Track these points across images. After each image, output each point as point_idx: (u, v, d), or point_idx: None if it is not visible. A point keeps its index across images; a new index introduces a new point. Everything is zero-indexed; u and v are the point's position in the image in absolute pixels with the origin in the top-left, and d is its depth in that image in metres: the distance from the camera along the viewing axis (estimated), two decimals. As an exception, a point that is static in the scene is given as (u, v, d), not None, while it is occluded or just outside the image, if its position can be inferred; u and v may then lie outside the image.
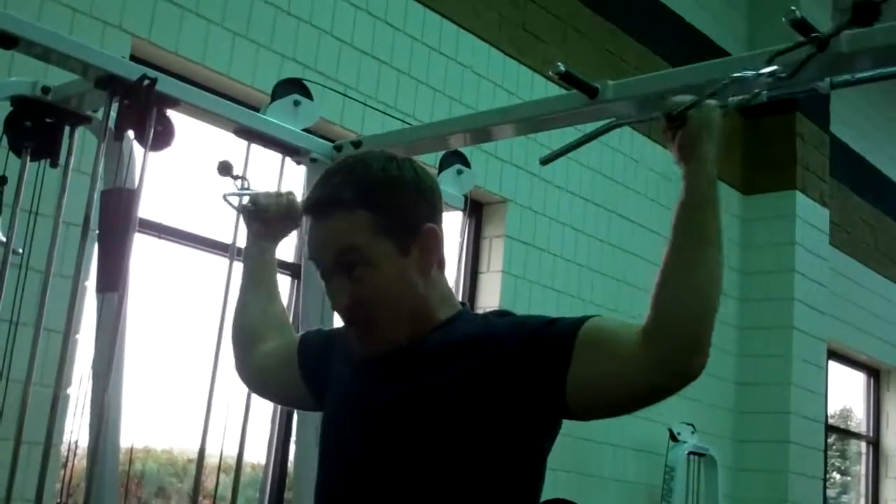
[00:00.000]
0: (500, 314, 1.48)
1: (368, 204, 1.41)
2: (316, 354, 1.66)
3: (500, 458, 1.37)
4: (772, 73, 1.54)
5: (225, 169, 1.93)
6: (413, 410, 1.39)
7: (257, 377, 1.79)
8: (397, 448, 1.39)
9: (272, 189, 1.92)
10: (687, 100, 1.40)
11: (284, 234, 1.90)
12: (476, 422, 1.35)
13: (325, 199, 1.43)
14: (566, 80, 1.92)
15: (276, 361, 1.73)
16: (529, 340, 1.35)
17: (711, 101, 1.41)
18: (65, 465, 2.43)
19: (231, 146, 2.36)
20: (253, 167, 2.26)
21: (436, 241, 1.45)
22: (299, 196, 1.88)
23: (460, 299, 1.57)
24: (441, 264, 1.48)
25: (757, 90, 1.57)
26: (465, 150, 2.87)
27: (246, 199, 1.84)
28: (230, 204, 1.87)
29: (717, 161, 1.37)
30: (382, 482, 1.39)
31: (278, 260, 1.98)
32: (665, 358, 1.25)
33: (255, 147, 2.38)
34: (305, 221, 1.50)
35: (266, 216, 1.84)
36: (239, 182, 1.94)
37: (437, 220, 1.47)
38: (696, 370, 1.26)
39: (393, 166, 1.45)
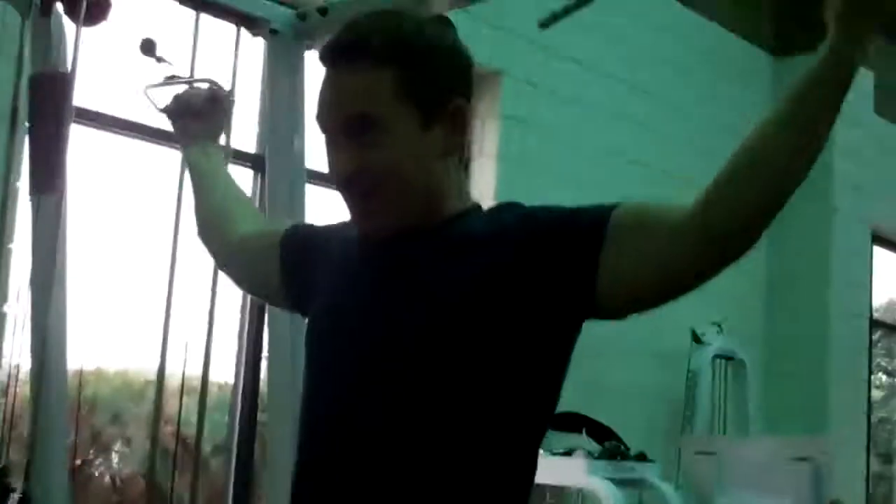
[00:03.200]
0: (513, 206, 1.49)
1: (399, 58, 1.41)
2: (302, 250, 1.67)
3: (518, 367, 1.39)
4: None
5: (147, 48, 1.90)
6: (420, 313, 1.40)
7: (232, 260, 1.81)
8: (404, 356, 1.40)
9: (187, 77, 1.90)
10: None
11: (219, 127, 1.90)
12: (491, 326, 1.37)
13: (349, 44, 1.43)
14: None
15: (254, 246, 1.75)
16: (552, 230, 1.38)
17: None
18: (6, 393, 2.46)
19: (177, 18, 2.33)
20: (204, 43, 2.23)
21: (463, 122, 1.46)
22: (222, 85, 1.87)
23: None
24: (462, 152, 1.49)
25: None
26: (451, 16, 2.83)
27: (168, 95, 1.82)
28: (152, 102, 1.85)
29: (864, 48, 1.30)
30: (387, 392, 1.40)
31: (235, 150, 1.97)
32: (719, 231, 1.30)
33: (206, 19, 2.36)
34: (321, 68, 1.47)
35: (193, 111, 1.83)
36: (162, 67, 1.90)
37: (468, 99, 1.48)
38: (745, 250, 1.32)
39: (431, 26, 1.48)
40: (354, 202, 1.46)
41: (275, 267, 1.68)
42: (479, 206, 1.53)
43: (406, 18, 1.48)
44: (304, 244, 1.68)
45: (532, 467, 1.44)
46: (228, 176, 1.88)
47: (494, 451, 1.39)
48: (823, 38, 1.28)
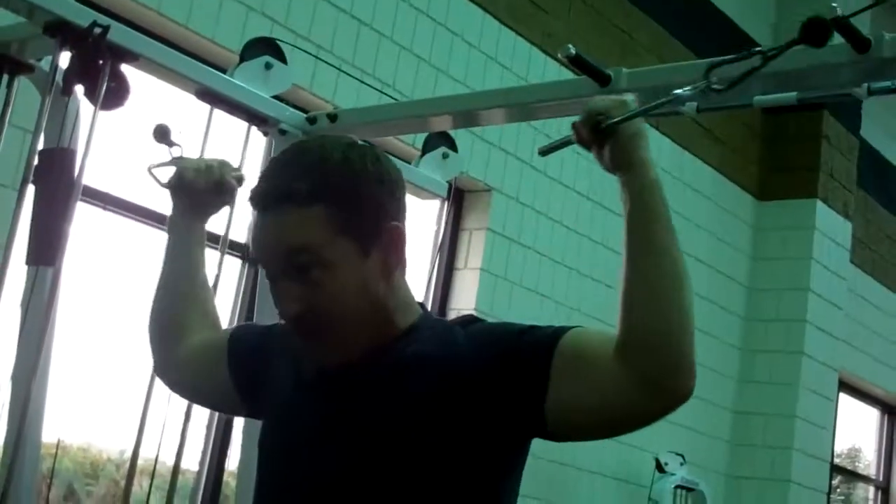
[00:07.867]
0: (465, 322, 1.51)
1: (327, 197, 1.42)
2: (250, 353, 1.67)
3: (471, 485, 1.41)
4: (707, 86, 1.55)
5: (161, 134, 1.92)
6: (371, 436, 1.41)
7: (180, 377, 1.78)
8: (353, 474, 1.42)
9: (201, 158, 1.88)
10: (607, 103, 1.44)
11: (216, 210, 1.87)
12: (443, 448, 1.39)
13: (275, 192, 1.43)
14: (576, 64, 1.97)
15: (202, 359, 1.73)
16: (501, 357, 1.40)
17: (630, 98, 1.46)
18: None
19: (191, 110, 2.39)
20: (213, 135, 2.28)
21: (401, 241, 1.47)
22: (235, 165, 1.87)
23: (428, 299, 1.61)
24: (403, 266, 1.50)
25: (692, 103, 1.63)
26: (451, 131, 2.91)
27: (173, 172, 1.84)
28: (156, 179, 1.85)
29: (653, 164, 1.43)
30: None
31: (230, 241, 1.97)
32: (641, 379, 1.31)
33: (218, 113, 2.41)
34: (252, 212, 1.49)
35: (194, 191, 1.80)
36: (174, 150, 1.93)
37: (402, 217, 1.50)
38: (680, 391, 1.32)
39: (354, 155, 1.46)
40: (304, 340, 1.47)
41: (224, 372, 1.68)
42: (426, 316, 1.54)
43: (328, 152, 1.45)
44: (251, 345, 1.68)
45: None
46: (201, 267, 1.84)
47: None
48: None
